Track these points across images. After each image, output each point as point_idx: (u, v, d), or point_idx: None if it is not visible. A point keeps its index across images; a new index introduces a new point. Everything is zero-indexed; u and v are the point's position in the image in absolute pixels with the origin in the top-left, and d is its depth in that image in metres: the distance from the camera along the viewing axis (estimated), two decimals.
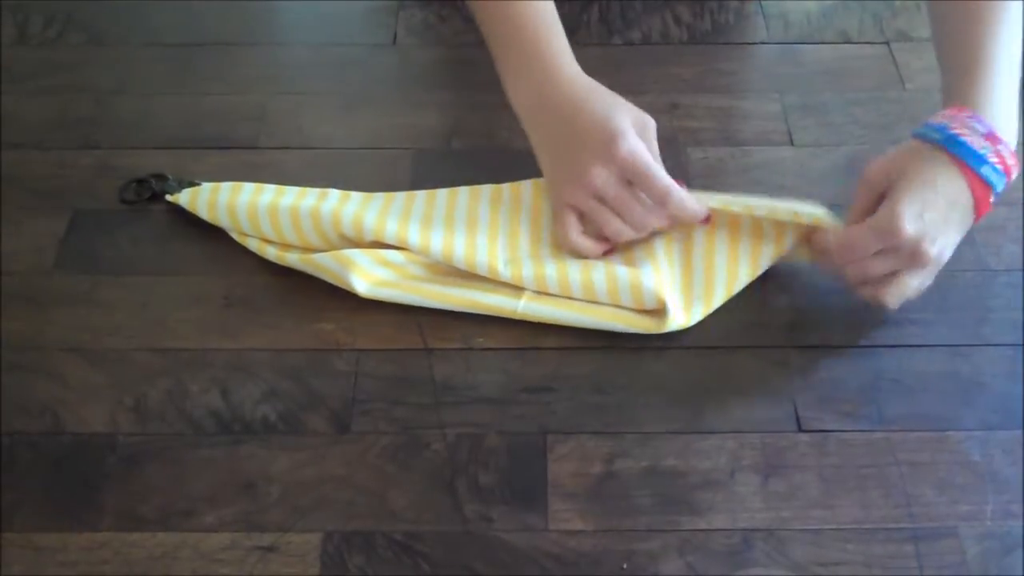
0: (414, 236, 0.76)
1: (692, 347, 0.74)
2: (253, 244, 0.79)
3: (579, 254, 0.76)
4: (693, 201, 0.74)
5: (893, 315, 0.74)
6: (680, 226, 0.76)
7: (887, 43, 0.97)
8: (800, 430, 0.69)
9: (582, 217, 0.76)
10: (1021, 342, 0.74)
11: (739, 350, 0.73)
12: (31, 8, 1.01)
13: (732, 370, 0.72)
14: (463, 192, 0.81)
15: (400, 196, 0.81)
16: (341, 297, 0.76)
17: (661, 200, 0.73)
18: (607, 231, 0.75)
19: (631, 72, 0.95)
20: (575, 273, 0.75)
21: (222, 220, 0.80)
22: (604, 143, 0.73)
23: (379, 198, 0.81)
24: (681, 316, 0.73)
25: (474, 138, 0.89)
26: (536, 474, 0.67)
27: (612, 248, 0.76)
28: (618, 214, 0.74)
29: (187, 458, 0.68)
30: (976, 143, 0.69)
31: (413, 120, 0.91)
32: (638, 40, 0.99)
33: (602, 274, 0.74)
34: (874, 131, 0.88)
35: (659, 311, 0.73)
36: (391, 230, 0.76)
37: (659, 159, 0.75)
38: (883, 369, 0.73)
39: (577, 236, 0.76)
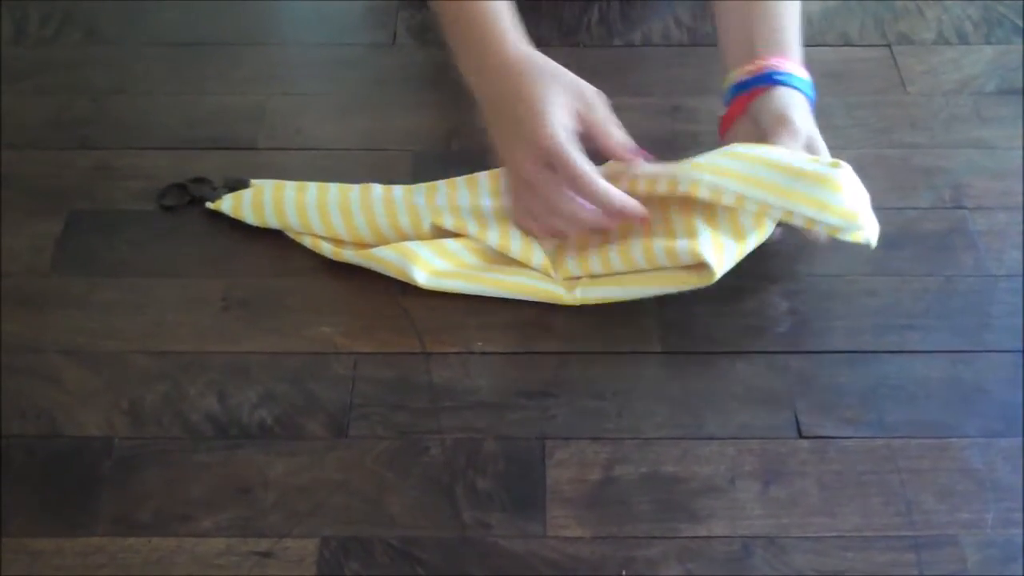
0: (471, 225, 0.77)
1: (692, 352, 0.73)
2: (307, 241, 0.79)
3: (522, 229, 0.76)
4: (622, 196, 0.72)
5: (894, 321, 0.74)
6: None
7: (889, 46, 0.97)
8: (800, 436, 0.69)
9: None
10: (1023, 348, 0.74)
11: (739, 356, 0.73)
12: (28, 6, 1.01)
13: (732, 376, 0.72)
14: (504, 176, 0.80)
15: (442, 184, 0.81)
16: (339, 301, 0.76)
17: (581, 191, 0.72)
18: (539, 217, 0.75)
19: (632, 74, 0.95)
20: (614, 250, 0.75)
21: (271, 222, 0.79)
22: (528, 128, 0.72)
23: (421, 189, 0.81)
24: (716, 259, 0.72)
25: (473, 139, 0.88)
26: (535, 480, 0.67)
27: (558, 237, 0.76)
28: (546, 203, 0.73)
29: (183, 462, 0.68)
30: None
31: (412, 121, 0.90)
32: (639, 42, 0.98)
33: (639, 244, 0.74)
34: (875, 134, 0.88)
35: (701, 265, 0.72)
36: (448, 219, 0.77)
37: (610, 130, 0.75)
38: (884, 375, 0.72)
39: (520, 215, 0.76)
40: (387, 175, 0.83)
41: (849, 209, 0.71)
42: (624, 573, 0.63)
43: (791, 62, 0.78)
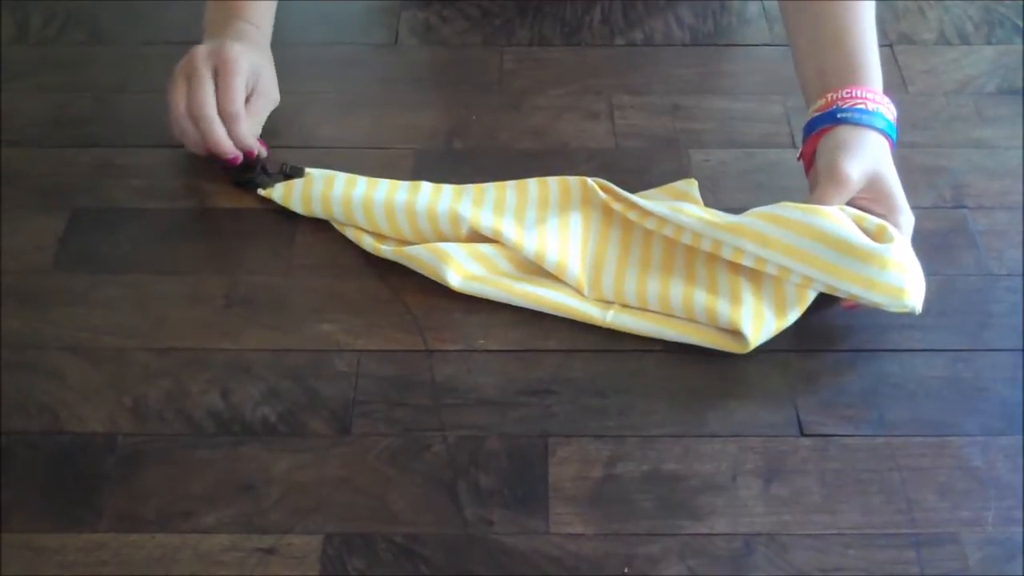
0: (509, 231, 0.76)
1: (694, 350, 0.73)
2: (350, 233, 0.80)
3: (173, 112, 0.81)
4: (250, 136, 0.82)
5: (895, 320, 0.74)
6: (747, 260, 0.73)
7: (890, 45, 0.97)
8: (802, 434, 0.69)
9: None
10: (1022, 347, 0.74)
11: (741, 354, 0.73)
12: (31, 6, 1.01)
13: (734, 374, 0.72)
14: (552, 182, 0.81)
15: (491, 187, 0.81)
16: (342, 298, 0.76)
17: (224, 97, 0.80)
18: (172, 96, 0.81)
19: (633, 73, 0.95)
20: (653, 287, 0.74)
21: (317, 212, 0.80)
22: (219, 44, 0.82)
23: (469, 190, 0.81)
24: (754, 333, 0.72)
25: (475, 138, 0.89)
26: (537, 477, 0.67)
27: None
28: (191, 91, 0.80)
29: (186, 459, 0.68)
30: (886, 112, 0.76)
31: (414, 120, 0.90)
32: (640, 41, 0.99)
33: (679, 292, 0.74)
34: None
35: (737, 332, 0.72)
36: (487, 223, 0.77)
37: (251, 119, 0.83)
38: (885, 374, 0.72)
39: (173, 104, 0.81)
40: (390, 173, 0.83)
41: (896, 286, 0.70)
42: (626, 570, 0.63)
43: (862, 88, 0.75)
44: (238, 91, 0.81)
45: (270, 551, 0.64)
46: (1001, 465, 0.68)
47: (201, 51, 0.81)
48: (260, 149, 0.83)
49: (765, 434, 0.69)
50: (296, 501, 0.66)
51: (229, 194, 0.83)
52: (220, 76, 0.80)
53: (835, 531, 0.65)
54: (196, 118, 0.80)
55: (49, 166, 0.86)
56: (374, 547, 0.64)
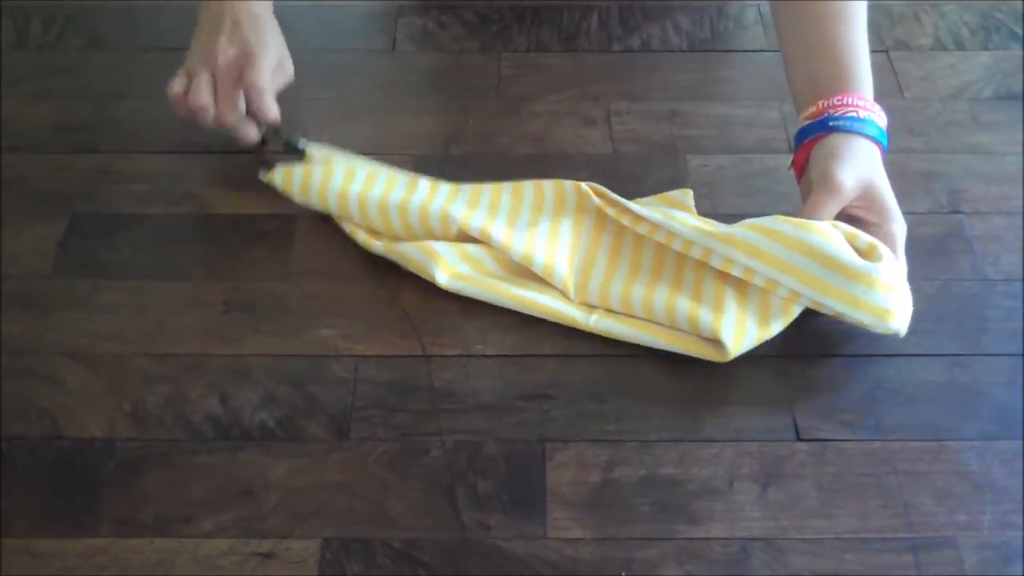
0: (498, 233, 0.77)
1: (693, 356, 0.74)
2: (346, 227, 0.80)
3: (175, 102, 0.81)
4: (275, 111, 0.82)
5: None
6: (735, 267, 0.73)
7: (886, 51, 0.97)
8: (799, 439, 0.69)
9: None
10: (1020, 352, 0.74)
11: (738, 359, 0.73)
12: (31, 10, 1.01)
13: (731, 379, 0.72)
14: (548, 186, 0.81)
15: (487, 188, 0.82)
16: (340, 304, 0.76)
17: (253, 88, 0.80)
18: (193, 91, 0.80)
19: (631, 79, 0.95)
20: (638, 292, 0.75)
21: (314, 202, 0.81)
22: (242, 37, 0.81)
23: (466, 190, 0.81)
24: (735, 342, 0.72)
25: (473, 144, 0.89)
26: (535, 482, 0.67)
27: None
28: (213, 84, 0.80)
29: (185, 464, 0.68)
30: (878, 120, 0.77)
31: (412, 126, 0.91)
32: (638, 47, 0.99)
33: (663, 298, 0.74)
34: None
35: (718, 341, 0.72)
36: (476, 224, 0.77)
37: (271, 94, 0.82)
38: (882, 378, 0.73)
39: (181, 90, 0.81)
40: None
41: (882, 307, 0.70)
42: (624, 574, 0.63)
43: (854, 95, 0.76)
44: (267, 70, 0.81)
45: (268, 556, 0.64)
46: (998, 469, 0.68)
47: (221, 43, 0.81)
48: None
49: (762, 439, 0.69)
50: (294, 506, 0.66)
51: (228, 200, 0.83)
52: (247, 64, 0.80)
53: (832, 535, 0.65)
54: (194, 110, 0.80)
55: (49, 171, 0.86)
56: (372, 552, 0.64)
